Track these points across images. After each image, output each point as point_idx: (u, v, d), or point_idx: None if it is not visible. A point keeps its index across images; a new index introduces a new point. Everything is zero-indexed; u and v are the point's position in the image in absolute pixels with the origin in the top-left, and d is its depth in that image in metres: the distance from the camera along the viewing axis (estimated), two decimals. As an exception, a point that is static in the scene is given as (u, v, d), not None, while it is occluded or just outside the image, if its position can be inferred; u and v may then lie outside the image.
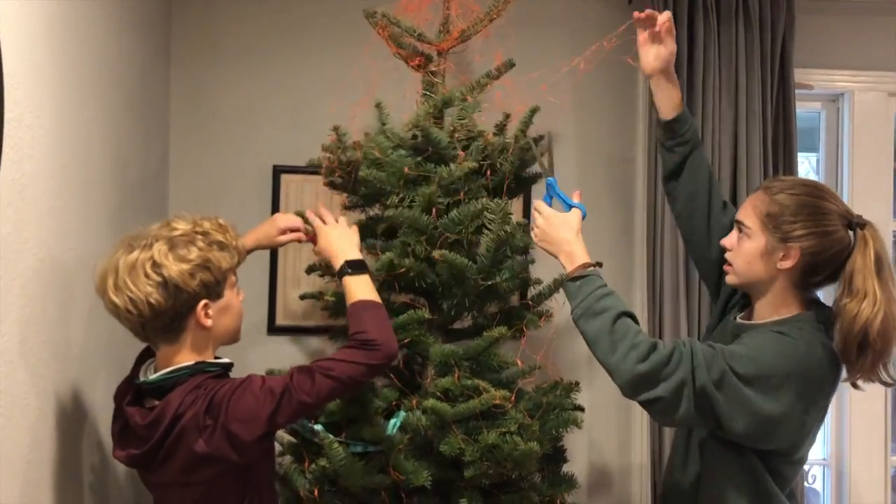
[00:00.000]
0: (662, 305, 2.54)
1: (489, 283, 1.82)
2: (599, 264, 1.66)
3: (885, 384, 1.57)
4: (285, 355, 2.53)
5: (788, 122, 2.62)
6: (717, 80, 2.57)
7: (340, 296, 1.82)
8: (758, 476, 1.58)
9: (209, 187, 2.61)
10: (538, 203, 1.70)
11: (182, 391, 1.47)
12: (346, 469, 1.73)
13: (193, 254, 1.49)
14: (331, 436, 1.75)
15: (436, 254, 1.76)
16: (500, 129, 2.12)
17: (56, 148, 1.65)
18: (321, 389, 1.50)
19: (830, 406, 1.63)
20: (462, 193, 1.83)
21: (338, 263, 1.73)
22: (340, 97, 2.50)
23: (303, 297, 2.27)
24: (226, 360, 1.58)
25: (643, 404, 1.54)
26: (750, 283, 1.66)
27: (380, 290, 1.87)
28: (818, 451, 2.85)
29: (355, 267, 1.71)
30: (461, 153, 1.85)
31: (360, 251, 1.75)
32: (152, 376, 1.51)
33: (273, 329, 2.61)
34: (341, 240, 1.76)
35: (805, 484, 2.76)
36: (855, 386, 1.59)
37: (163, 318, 1.49)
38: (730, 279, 1.69)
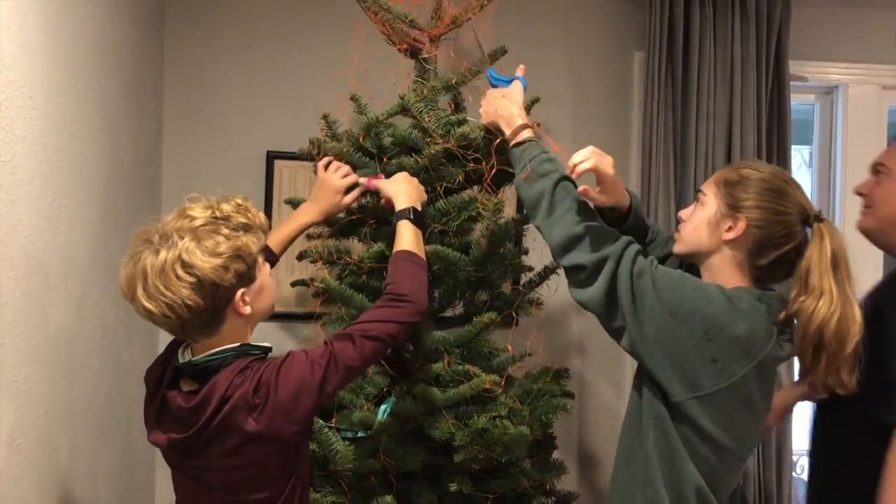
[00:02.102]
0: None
1: (481, 274, 1.82)
2: (537, 124, 1.71)
3: (843, 388, 1.50)
4: (279, 341, 2.53)
5: (783, 114, 2.63)
6: (712, 71, 2.58)
7: (330, 283, 1.82)
8: (666, 432, 1.49)
9: (202, 172, 2.60)
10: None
11: (229, 373, 1.42)
12: (337, 454, 1.74)
13: (223, 245, 1.40)
14: (321, 421, 1.76)
15: (427, 248, 1.75)
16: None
17: (48, 130, 1.64)
18: (364, 351, 1.49)
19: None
20: (441, 184, 1.82)
21: (401, 205, 1.72)
22: (335, 82, 2.50)
23: (294, 285, 2.29)
24: (266, 343, 1.52)
25: (566, 270, 1.56)
26: (694, 253, 1.61)
27: (369, 280, 1.88)
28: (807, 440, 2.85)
29: (417, 216, 1.71)
30: (439, 142, 1.83)
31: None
32: (197, 357, 1.45)
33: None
34: (412, 187, 1.77)
35: (794, 474, 2.78)
36: (813, 391, 1.56)
37: (202, 317, 1.42)
38: (675, 247, 1.65)
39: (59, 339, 1.72)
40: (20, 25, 1.51)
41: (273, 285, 1.56)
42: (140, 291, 1.38)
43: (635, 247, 1.54)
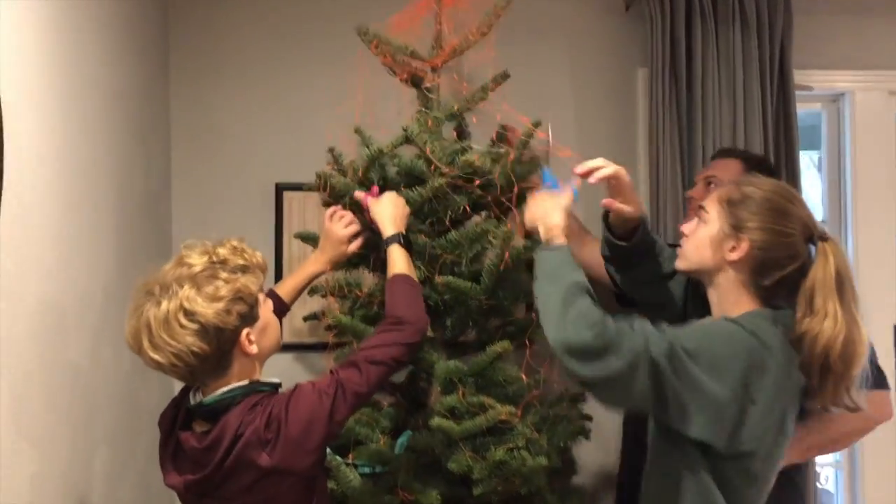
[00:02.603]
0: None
1: (493, 302, 1.81)
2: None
3: (850, 409, 1.47)
4: (292, 372, 2.53)
5: (789, 125, 2.61)
6: (716, 83, 2.56)
7: (341, 319, 1.82)
8: (701, 479, 1.45)
9: (212, 206, 2.62)
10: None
11: (240, 411, 1.43)
12: (355, 491, 1.73)
13: (223, 289, 1.42)
14: (338, 458, 1.75)
15: (439, 279, 1.75)
16: (501, 139, 2.11)
17: (58, 177, 1.66)
18: (371, 377, 1.52)
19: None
20: (448, 214, 1.82)
21: (389, 231, 1.76)
22: (340, 112, 2.51)
23: (306, 319, 2.32)
24: (275, 379, 1.54)
25: (594, 382, 1.39)
26: (698, 271, 1.59)
27: (379, 310, 1.87)
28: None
29: (405, 238, 1.76)
30: (445, 169, 1.83)
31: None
32: (208, 398, 1.46)
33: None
34: (397, 210, 1.80)
35: (818, 485, 2.75)
36: (825, 409, 1.52)
37: (210, 361, 1.44)
38: (678, 263, 1.63)
39: (76, 384, 1.73)
40: (30, 75, 1.53)
41: (277, 323, 1.58)
42: (146, 344, 1.39)
43: (647, 325, 1.43)
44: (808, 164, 3.50)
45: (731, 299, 1.54)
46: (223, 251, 1.48)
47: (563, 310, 1.42)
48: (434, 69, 2.04)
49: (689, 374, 1.39)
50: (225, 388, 1.46)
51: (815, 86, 2.75)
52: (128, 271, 2.05)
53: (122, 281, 2.00)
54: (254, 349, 1.47)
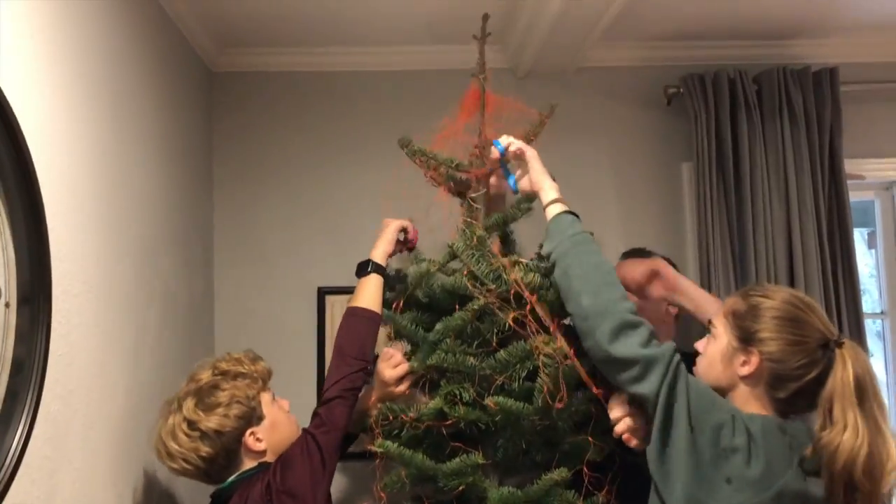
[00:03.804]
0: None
1: (546, 421, 1.74)
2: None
3: None
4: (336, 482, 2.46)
5: (843, 215, 2.54)
6: (765, 176, 2.51)
7: (388, 447, 1.77)
8: None
9: (254, 310, 2.60)
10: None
11: (242, 487, 1.62)
12: None
13: (221, 396, 1.63)
14: None
15: (489, 401, 1.69)
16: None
17: (103, 307, 1.64)
18: (334, 416, 1.70)
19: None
20: (495, 332, 1.77)
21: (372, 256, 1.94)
22: (384, 215, 2.50)
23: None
24: None
25: (612, 359, 1.51)
26: (714, 390, 1.52)
27: (426, 434, 1.81)
28: None
29: (361, 269, 1.92)
30: (491, 287, 1.78)
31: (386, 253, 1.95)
32: (222, 484, 1.65)
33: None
34: (383, 239, 1.98)
35: None
36: None
37: (218, 461, 1.64)
38: None
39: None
40: (79, 190, 1.53)
41: (289, 420, 1.74)
42: (164, 455, 1.63)
43: (677, 354, 1.49)
44: (858, 239, 3.40)
45: (741, 404, 1.48)
46: (224, 364, 1.70)
47: (608, 275, 1.57)
48: (479, 179, 2.01)
49: (676, 411, 1.42)
50: (236, 474, 1.65)
51: (867, 175, 2.68)
52: (171, 377, 2.01)
53: (165, 388, 1.96)
54: (261, 446, 1.66)
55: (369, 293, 1.88)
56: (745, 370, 1.46)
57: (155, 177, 2.02)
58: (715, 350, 1.51)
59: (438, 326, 1.81)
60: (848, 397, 1.35)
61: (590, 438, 1.76)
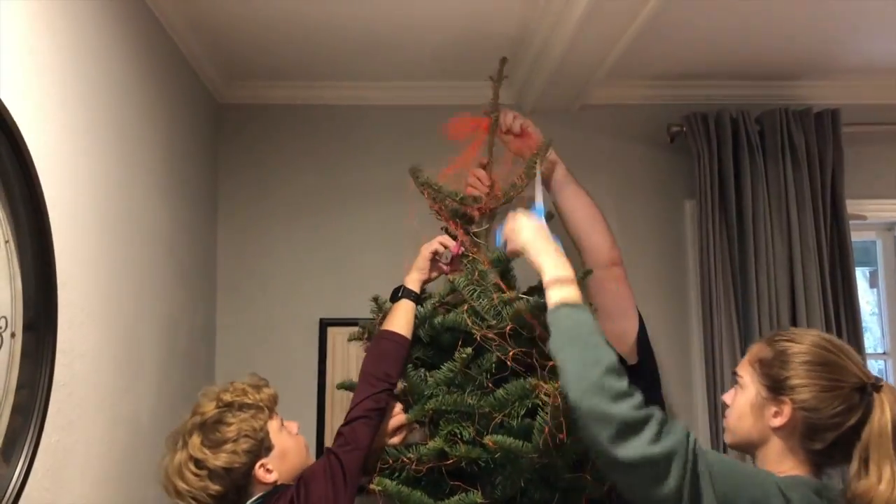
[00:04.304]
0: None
1: (545, 460, 1.73)
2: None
3: None
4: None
5: (845, 255, 2.55)
6: (767, 218, 2.52)
7: (388, 486, 1.76)
8: None
9: (256, 341, 2.59)
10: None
11: None
12: None
13: (229, 432, 1.58)
14: None
15: (488, 440, 1.68)
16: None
17: (105, 337, 1.65)
18: (357, 435, 1.67)
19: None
20: (492, 369, 1.77)
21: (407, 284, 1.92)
22: (384, 249, 2.51)
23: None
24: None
25: (625, 464, 1.28)
26: (744, 444, 1.43)
27: (424, 473, 1.80)
28: None
29: (393, 295, 1.91)
30: (492, 323, 1.79)
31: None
32: None
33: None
34: (416, 268, 1.95)
35: None
36: None
37: (230, 495, 1.60)
38: (726, 437, 1.47)
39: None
40: (82, 224, 1.54)
41: (300, 445, 1.71)
42: (171, 491, 1.59)
43: (691, 435, 1.33)
44: (860, 278, 3.40)
45: (774, 459, 1.37)
46: (228, 396, 1.64)
47: (600, 378, 1.32)
48: (483, 214, 2.02)
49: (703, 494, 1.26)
50: (252, 499, 1.61)
51: (868, 215, 2.69)
52: (173, 407, 2.00)
53: (167, 418, 1.96)
54: (272, 476, 1.62)
55: (396, 317, 1.85)
56: (778, 421, 1.35)
57: (159, 207, 2.04)
58: (744, 402, 1.41)
59: (430, 381, 1.81)
60: (885, 446, 1.26)
61: (587, 476, 1.75)
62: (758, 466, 1.41)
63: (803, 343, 1.37)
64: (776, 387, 1.36)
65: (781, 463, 1.36)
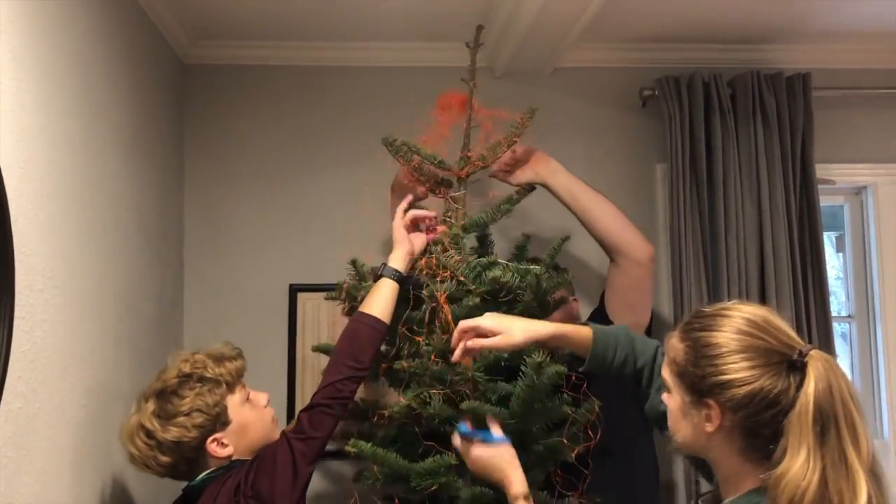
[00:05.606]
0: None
1: (521, 426, 1.73)
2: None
3: None
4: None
5: (813, 219, 2.57)
6: (737, 179, 2.52)
7: (361, 447, 1.76)
8: None
9: (225, 307, 2.56)
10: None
11: (212, 487, 1.59)
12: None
13: (182, 406, 1.59)
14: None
15: (464, 405, 1.68)
16: (521, 250, 2.07)
17: (70, 305, 1.60)
18: (314, 423, 1.63)
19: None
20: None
21: (389, 261, 1.85)
22: (354, 213, 2.47)
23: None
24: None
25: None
26: (691, 452, 1.28)
27: (399, 434, 1.80)
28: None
29: (397, 274, 1.82)
30: (472, 288, 1.78)
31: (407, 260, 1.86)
32: (193, 481, 1.62)
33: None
34: (402, 249, 1.86)
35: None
36: None
37: (180, 465, 1.61)
38: (673, 443, 1.30)
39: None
40: (44, 188, 1.48)
41: (263, 418, 1.70)
42: (127, 453, 1.62)
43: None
44: (826, 242, 3.45)
45: (732, 476, 1.21)
46: (187, 366, 1.63)
47: None
48: (460, 180, 2.00)
49: None
50: (205, 472, 1.62)
51: (837, 179, 2.71)
52: (138, 376, 1.97)
53: (133, 386, 1.92)
54: (226, 451, 1.62)
55: (374, 298, 1.78)
56: (710, 427, 1.18)
57: (124, 170, 1.98)
58: (675, 408, 1.25)
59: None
60: (803, 422, 1.09)
61: (564, 440, 1.76)
62: (719, 479, 1.26)
63: (720, 330, 1.19)
64: (697, 390, 1.19)
65: (740, 486, 1.20)
